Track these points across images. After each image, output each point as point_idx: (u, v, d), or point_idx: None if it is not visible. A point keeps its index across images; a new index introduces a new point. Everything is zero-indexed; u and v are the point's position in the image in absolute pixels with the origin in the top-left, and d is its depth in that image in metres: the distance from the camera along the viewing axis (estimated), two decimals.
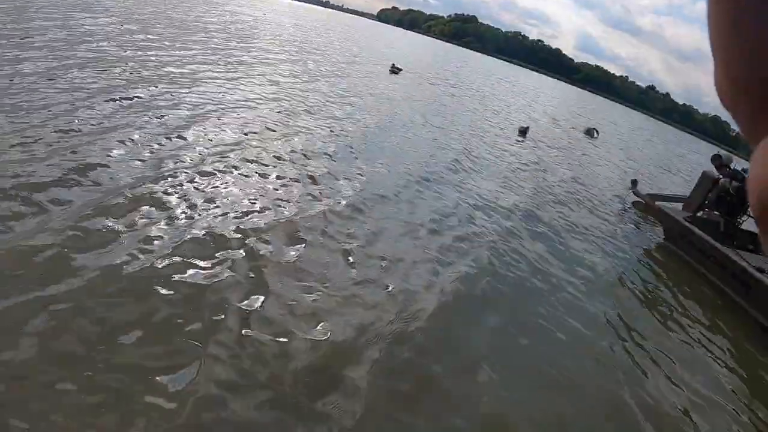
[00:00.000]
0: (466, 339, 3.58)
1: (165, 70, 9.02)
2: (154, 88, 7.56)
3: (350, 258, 4.19)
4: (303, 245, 4.15)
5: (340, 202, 5.29)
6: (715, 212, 7.89)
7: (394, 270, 4.23)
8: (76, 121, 5.38)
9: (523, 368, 3.50)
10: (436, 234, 5.33)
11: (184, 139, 5.81)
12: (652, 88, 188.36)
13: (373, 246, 4.56)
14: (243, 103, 8.29)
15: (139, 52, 9.92)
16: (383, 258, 4.37)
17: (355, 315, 3.44)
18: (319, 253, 4.12)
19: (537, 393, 3.28)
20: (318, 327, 3.18)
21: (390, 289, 3.91)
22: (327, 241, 4.39)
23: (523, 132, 14.73)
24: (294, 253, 3.99)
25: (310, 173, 5.88)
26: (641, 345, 4.39)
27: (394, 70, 20.81)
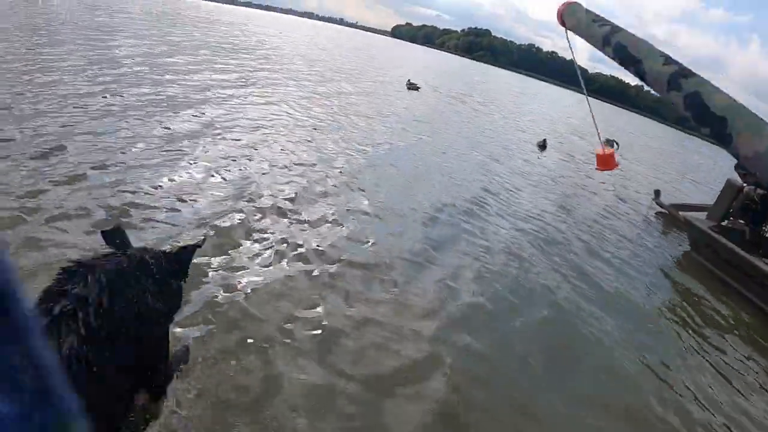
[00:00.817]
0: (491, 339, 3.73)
1: (209, 96, 9.42)
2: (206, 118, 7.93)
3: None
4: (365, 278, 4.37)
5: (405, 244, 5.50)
6: (740, 221, 7.90)
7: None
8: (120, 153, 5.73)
9: (543, 380, 3.61)
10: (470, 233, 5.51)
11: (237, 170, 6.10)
12: None
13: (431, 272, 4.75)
14: (283, 128, 8.64)
15: (180, 77, 10.38)
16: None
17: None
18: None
19: (558, 408, 3.40)
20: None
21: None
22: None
23: (542, 146, 14.83)
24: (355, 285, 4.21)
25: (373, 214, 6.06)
26: (668, 358, 4.47)
27: (412, 86, 20.72)
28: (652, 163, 21.23)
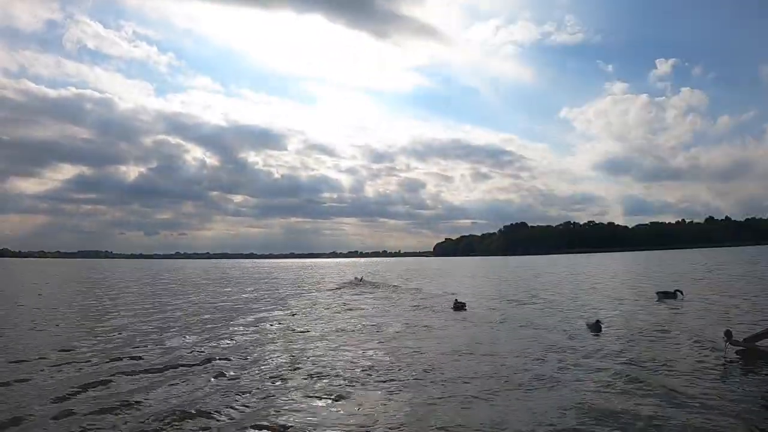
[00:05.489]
0: None
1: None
2: None
3: None
4: None
5: None
6: None
7: None
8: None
9: None
10: None
11: None
12: (711, 219, 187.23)
13: None
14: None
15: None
16: None
17: None
18: None
19: None
20: None
21: None
22: None
23: (595, 327, 12.26)
24: None
25: None
26: None
27: (459, 306, 17.76)
28: (719, 295, 20.01)
